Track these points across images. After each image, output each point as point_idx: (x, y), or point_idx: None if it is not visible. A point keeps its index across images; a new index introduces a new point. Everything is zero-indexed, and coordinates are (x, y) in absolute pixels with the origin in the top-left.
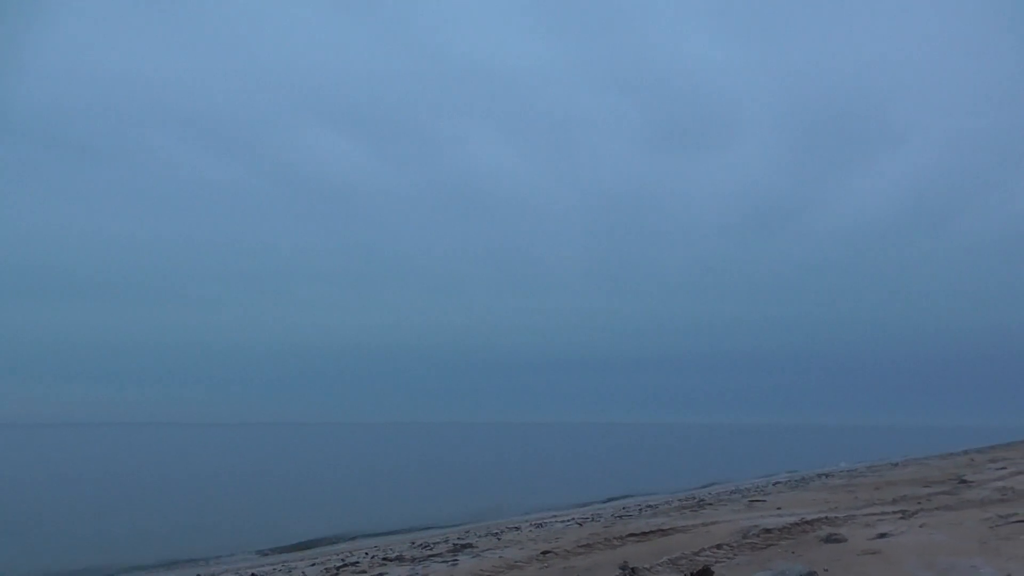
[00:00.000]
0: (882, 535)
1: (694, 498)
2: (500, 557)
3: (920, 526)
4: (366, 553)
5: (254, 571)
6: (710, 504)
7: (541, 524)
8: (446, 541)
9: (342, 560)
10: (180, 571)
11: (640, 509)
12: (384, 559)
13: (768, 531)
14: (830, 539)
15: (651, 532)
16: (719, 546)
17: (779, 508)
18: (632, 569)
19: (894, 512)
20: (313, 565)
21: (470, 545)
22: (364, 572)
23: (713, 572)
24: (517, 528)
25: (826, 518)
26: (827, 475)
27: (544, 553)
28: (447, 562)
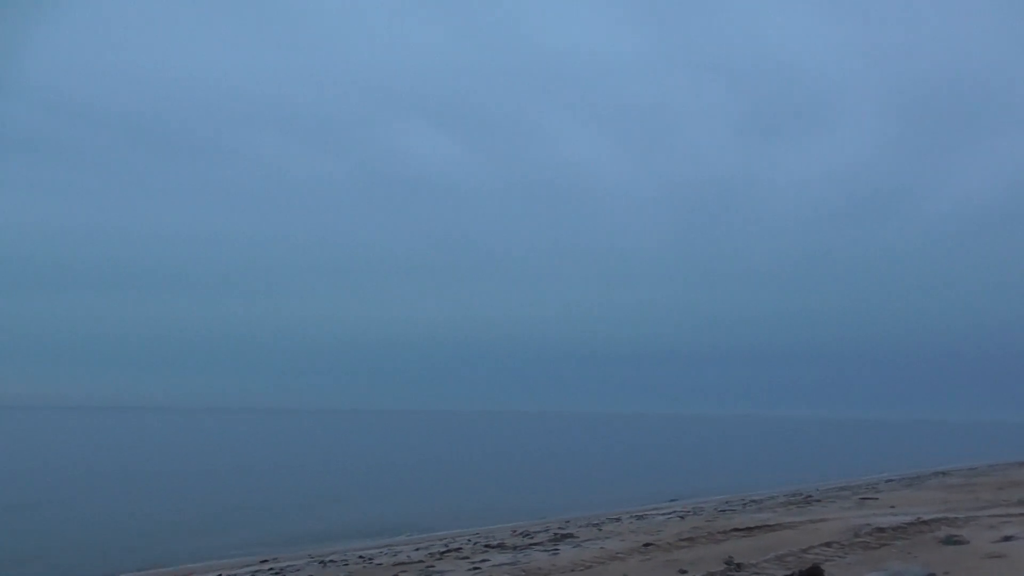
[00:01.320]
0: (1007, 538)
1: (800, 494)
2: (601, 548)
3: None
4: (468, 540)
5: (360, 553)
6: (817, 500)
7: (642, 516)
8: (546, 530)
9: (445, 546)
10: (296, 548)
11: (743, 504)
12: (486, 546)
13: (881, 530)
14: (950, 540)
15: (756, 527)
16: (828, 544)
17: (892, 506)
18: (737, 564)
19: (1020, 514)
20: (417, 549)
21: (571, 535)
22: (467, 557)
23: (823, 571)
24: (618, 519)
25: (945, 518)
26: (944, 473)
27: (646, 545)
28: (548, 551)
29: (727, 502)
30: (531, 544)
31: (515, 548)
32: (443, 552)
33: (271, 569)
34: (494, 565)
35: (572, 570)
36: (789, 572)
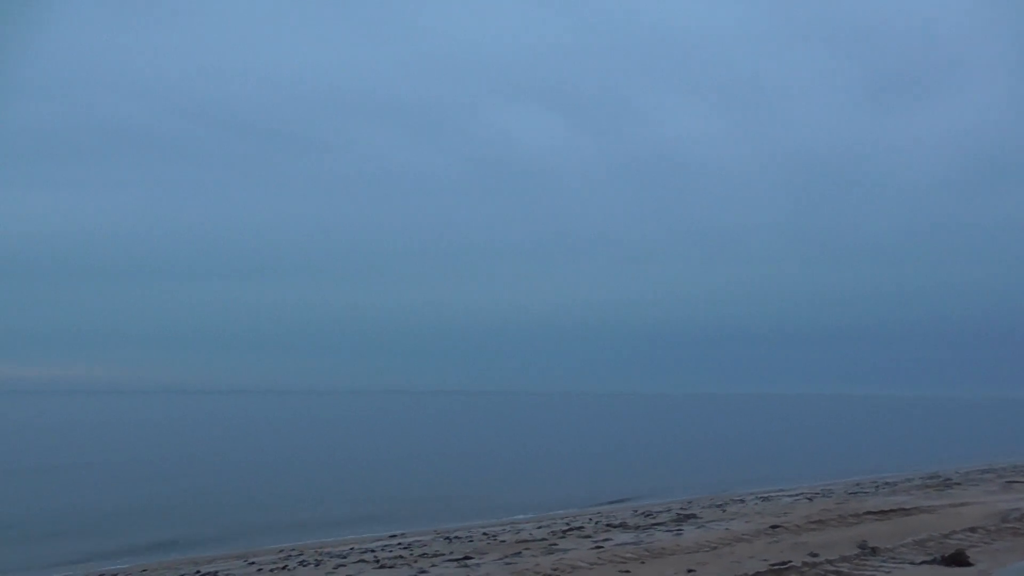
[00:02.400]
0: None
1: (938, 476)
2: (726, 529)
3: None
4: (590, 519)
5: (485, 530)
6: (957, 483)
7: (767, 497)
8: (668, 511)
9: (567, 524)
10: (427, 525)
11: (876, 486)
12: (608, 525)
13: None
14: None
15: (891, 511)
16: (973, 529)
17: None
18: (873, 548)
19: None
20: (539, 527)
21: (694, 516)
22: (589, 536)
23: (968, 557)
24: (742, 501)
25: None
26: None
27: (773, 527)
28: (671, 531)
29: (858, 484)
30: (653, 524)
31: (637, 528)
32: (565, 531)
33: (399, 544)
34: (616, 544)
35: (697, 551)
36: (930, 557)
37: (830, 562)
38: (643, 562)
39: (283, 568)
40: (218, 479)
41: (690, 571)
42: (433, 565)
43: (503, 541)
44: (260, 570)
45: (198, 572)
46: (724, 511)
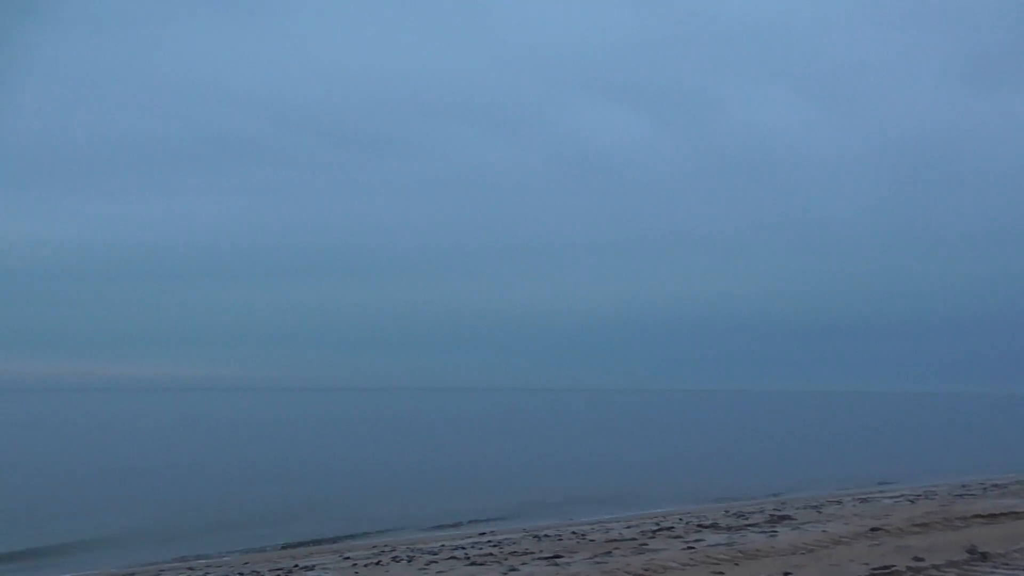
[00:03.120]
0: None
1: None
2: (823, 531)
3: None
4: (680, 519)
5: (573, 529)
6: None
7: (865, 499)
8: (761, 511)
9: (656, 524)
10: (516, 523)
11: (983, 488)
12: (699, 525)
13: None
14: None
15: (1001, 514)
16: None
17: None
18: (983, 554)
19: None
20: (628, 527)
21: (788, 517)
22: (680, 537)
23: None
24: (838, 502)
25: None
26: None
27: (873, 530)
28: (765, 532)
29: (963, 486)
30: (746, 525)
31: (729, 528)
32: (655, 531)
33: (489, 541)
34: (709, 545)
35: (793, 553)
36: None
37: (936, 567)
38: (737, 563)
39: (377, 563)
40: (317, 475)
41: (786, 574)
42: (523, 563)
43: (592, 540)
44: (355, 565)
45: (296, 566)
46: (820, 512)
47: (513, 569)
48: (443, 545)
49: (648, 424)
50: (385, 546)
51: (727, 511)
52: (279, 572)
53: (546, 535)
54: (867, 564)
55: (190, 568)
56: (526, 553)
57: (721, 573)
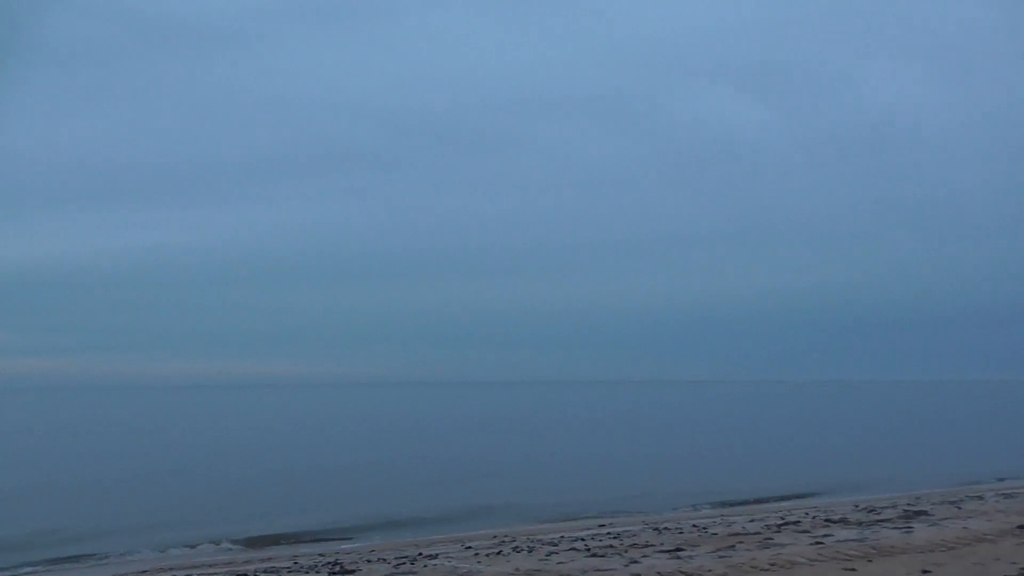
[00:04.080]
0: None
1: None
2: (964, 528)
3: None
4: (806, 513)
5: (695, 522)
6: None
7: (1010, 494)
8: (894, 506)
9: (781, 518)
10: (635, 515)
11: None
12: (827, 520)
13: None
14: None
15: None
16: None
17: None
18: None
19: None
20: (752, 521)
21: (924, 512)
22: (807, 531)
23: None
24: (979, 497)
25: None
26: None
27: (1021, 527)
28: (899, 528)
29: None
30: (878, 520)
31: (860, 524)
32: (780, 525)
33: (608, 533)
34: (839, 541)
35: (931, 550)
36: None
37: None
38: (870, 560)
39: (498, 553)
40: (438, 467)
41: (925, 572)
42: (644, 555)
43: (715, 534)
44: (476, 554)
45: (420, 554)
46: (959, 508)
47: (634, 561)
48: (562, 536)
49: (764, 416)
50: (505, 536)
51: (856, 506)
52: (404, 560)
53: (666, 528)
54: (1015, 563)
55: (320, 555)
56: (647, 545)
57: (853, 570)
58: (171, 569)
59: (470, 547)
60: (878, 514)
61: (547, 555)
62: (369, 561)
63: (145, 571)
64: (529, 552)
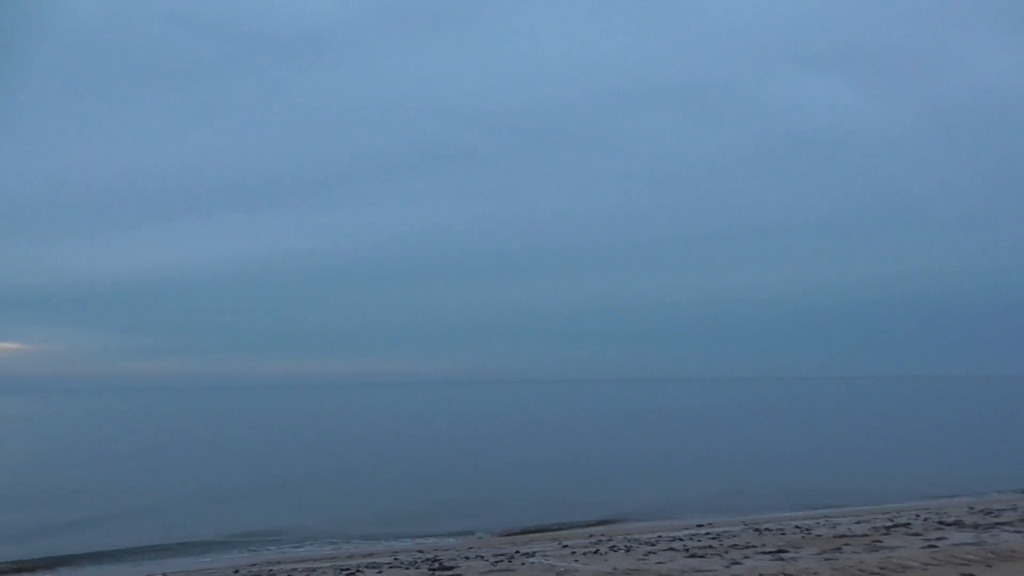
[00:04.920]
0: None
1: None
2: None
3: None
4: (916, 515)
5: (797, 523)
6: None
7: None
8: (1014, 509)
9: (890, 520)
10: (733, 515)
11: None
12: (940, 523)
13: None
14: None
15: None
16: None
17: None
18: None
19: None
20: (858, 522)
21: None
22: (918, 534)
23: None
24: None
25: None
26: None
27: None
28: (1020, 532)
29: None
30: (996, 523)
31: (976, 527)
32: (888, 527)
33: (707, 533)
34: (953, 544)
35: None
36: None
37: None
38: (989, 565)
39: (595, 552)
40: (535, 465)
41: None
42: (746, 557)
43: (819, 535)
44: (573, 552)
45: (517, 552)
46: None
47: (735, 563)
48: (660, 536)
49: (874, 412)
50: (602, 535)
51: (971, 508)
52: (501, 557)
53: (767, 528)
54: None
55: (419, 551)
56: (748, 547)
57: (971, 575)
58: (278, 563)
59: (567, 545)
60: (996, 516)
61: (645, 555)
62: (467, 558)
63: (254, 563)
64: (627, 551)
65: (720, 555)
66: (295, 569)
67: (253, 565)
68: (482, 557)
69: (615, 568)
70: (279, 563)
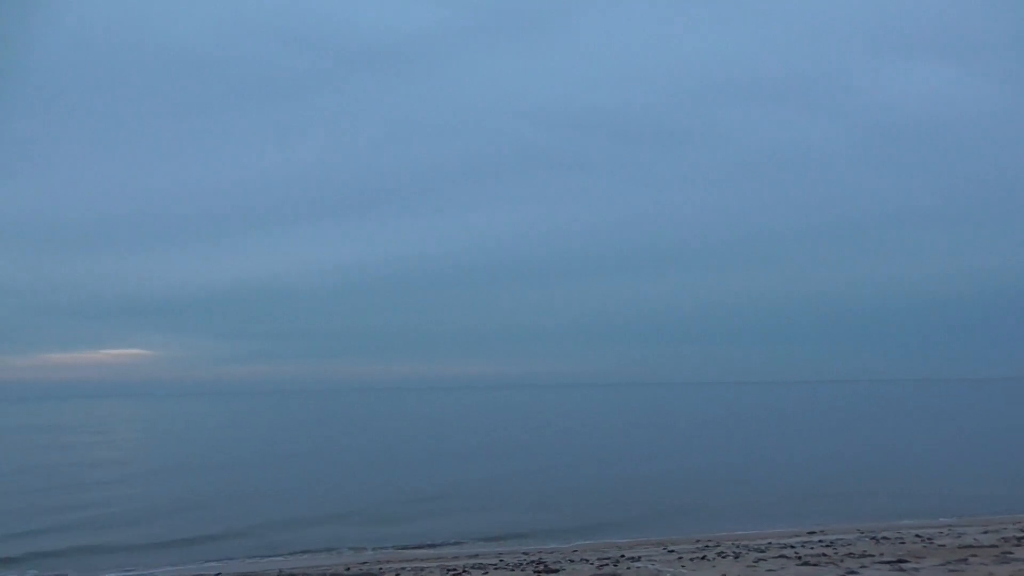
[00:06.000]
0: None
1: None
2: None
3: None
4: None
5: (918, 532)
6: None
7: None
8: None
9: (1021, 530)
10: (847, 522)
11: None
12: None
13: None
14: None
15: None
16: None
17: None
18: None
19: None
20: (985, 532)
21: None
22: None
23: None
24: None
25: None
26: None
27: None
28: None
29: None
30: None
31: None
32: (1020, 538)
33: (820, 541)
34: None
35: None
36: None
37: None
38: None
39: (702, 558)
40: (650, 464)
41: None
42: (862, 566)
43: (941, 545)
44: (680, 558)
45: (622, 556)
46: None
47: (852, 572)
48: (770, 543)
49: (987, 416)
50: (709, 541)
51: None
52: (606, 561)
53: (884, 537)
54: None
55: (524, 553)
56: (864, 555)
57: None
58: (387, 561)
59: (672, 550)
60: None
61: (754, 561)
62: (572, 561)
63: (363, 561)
64: (735, 558)
65: (835, 564)
66: (403, 568)
67: (363, 563)
68: (587, 560)
69: (724, 575)
70: (388, 562)
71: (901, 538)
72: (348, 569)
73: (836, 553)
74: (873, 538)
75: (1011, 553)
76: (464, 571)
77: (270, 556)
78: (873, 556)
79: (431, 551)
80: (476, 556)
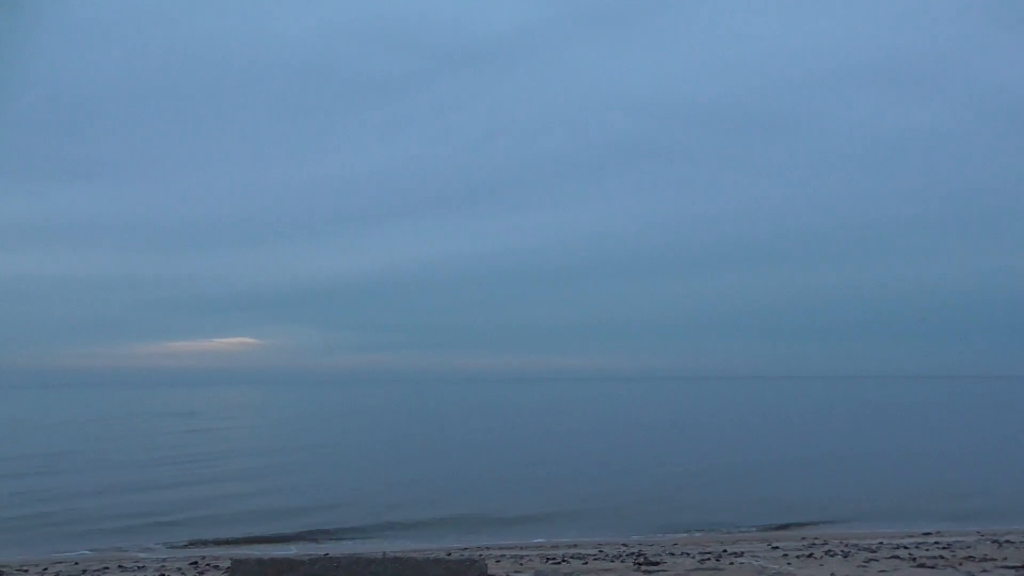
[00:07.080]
0: None
1: None
2: None
3: None
4: None
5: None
6: None
7: None
8: None
9: None
10: (968, 524)
11: None
12: None
13: None
14: None
15: None
16: None
17: None
18: None
19: None
20: None
21: None
22: None
23: None
24: None
25: None
26: None
27: None
28: None
29: None
30: None
31: None
32: None
33: (936, 543)
34: None
35: None
36: None
37: None
38: None
39: (809, 556)
40: (754, 458)
41: None
42: (983, 571)
43: None
44: (785, 555)
45: (724, 551)
46: None
47: None
48: (882, 543)
49: None
50: (816, 538)
51: None
52: (708, 556)
53: (1008, 541)
54: None
55: (624, 544)
56: (985, 560)
57: None
58: (486, 548)
59: (777, 547)
60: None
61: (865, 561)
62: (672, 554)
63: (465, 548)
64: (844, 557)
65: (953, 567)
66: (503, 555)
67: (464, 549)
68: (688, 554)
69: (832, 574)
70: (487, 548)
71: None
72: (449, 554)
73: (954, 556)
74: (995, 542)
75: None
76: (564, 560)
77: (374, 538)
78: (995, 560)
79: (530, 540)
80: (575, 546)
